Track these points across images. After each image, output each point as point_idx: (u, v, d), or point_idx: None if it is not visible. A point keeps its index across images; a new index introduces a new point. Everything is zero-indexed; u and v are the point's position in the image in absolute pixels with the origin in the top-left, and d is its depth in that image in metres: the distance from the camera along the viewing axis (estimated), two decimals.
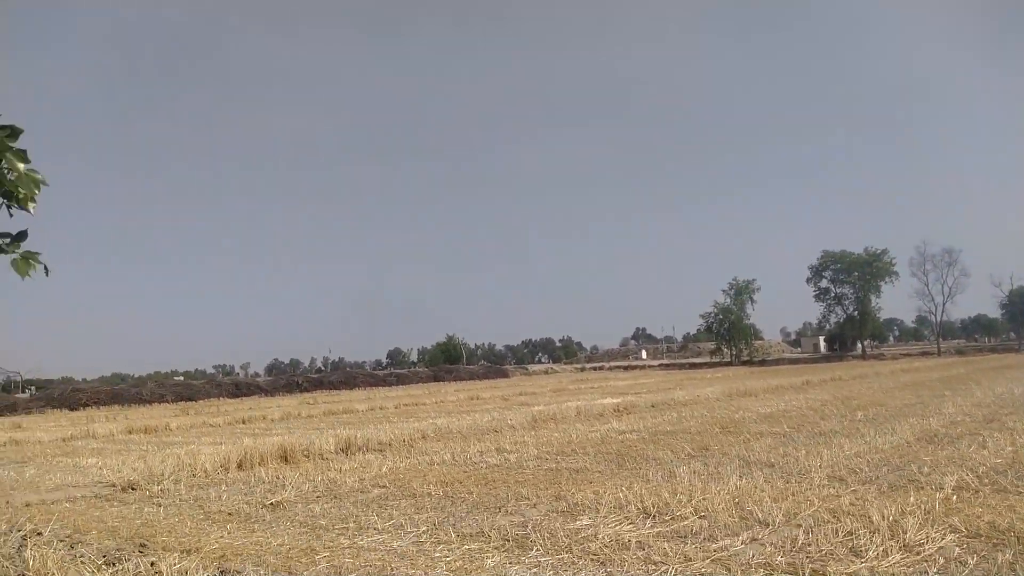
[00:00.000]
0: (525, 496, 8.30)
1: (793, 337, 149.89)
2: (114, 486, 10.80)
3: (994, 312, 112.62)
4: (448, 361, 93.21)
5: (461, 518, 7.42)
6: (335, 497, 9.03)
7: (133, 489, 10.52)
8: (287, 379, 61.28)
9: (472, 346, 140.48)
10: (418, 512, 7.82)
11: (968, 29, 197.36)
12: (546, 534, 6.44)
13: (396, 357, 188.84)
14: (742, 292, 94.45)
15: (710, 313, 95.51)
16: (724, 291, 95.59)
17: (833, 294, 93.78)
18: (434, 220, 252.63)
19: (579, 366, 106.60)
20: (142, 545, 6.79)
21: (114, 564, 6.01)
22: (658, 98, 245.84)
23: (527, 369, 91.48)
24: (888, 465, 9.13)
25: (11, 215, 3.31)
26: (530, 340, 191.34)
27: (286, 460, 12.49)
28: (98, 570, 5.76)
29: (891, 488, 7.71)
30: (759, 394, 25.90)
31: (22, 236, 3.30)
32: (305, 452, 12.93)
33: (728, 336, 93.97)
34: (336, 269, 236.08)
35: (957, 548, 5.34)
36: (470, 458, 11.88)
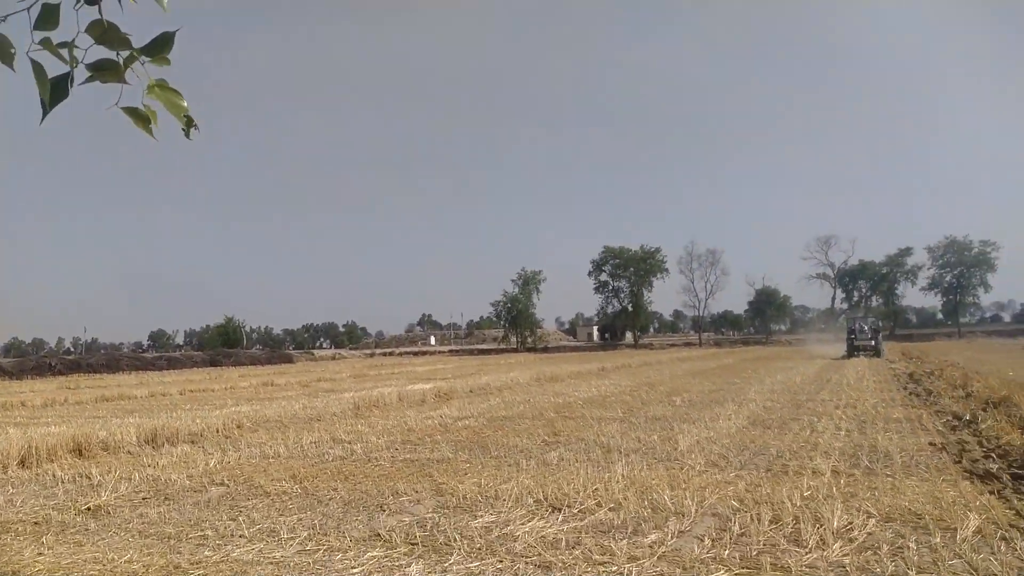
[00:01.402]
0: (402, 491, 7.50)
1: (567, 326, 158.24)
2: None
3: (739, 309, 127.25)
4: (226, 345, 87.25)
5: (340, 519, 6.51)
6: (167, 499, 7.63)
7: None
8: (36, 360, 53.61)
9: (248, 329, 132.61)
10: (283, 514, 6.77)
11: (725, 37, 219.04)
12: (456, 535, 5.76)
13: (159, 339, 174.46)
14: (529, 282, 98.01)
15: (499, 301, 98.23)
16: (513, 280, 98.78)
17: (611, 287, 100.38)
18: (205, 191, 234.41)
19: (368, 352, 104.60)
20: None
21: None
22: (453, 80, 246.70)
23: (312, 354, 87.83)
24: (748, 450, 9.43)
25: (122, 7, 1.82)
26: (311, 324, 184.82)
27: (80, 454, 10.56)
28: None
29: (770, 473, 7.89)
30: (565, 379, 26.63)
31: (166, 41, 1.86)
32: (103, 445, 11.02)
33: (515, 324, 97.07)
34: (91, 242, 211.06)
35: (887, 534, 5.42)
36: (306, 450, 10.75)
